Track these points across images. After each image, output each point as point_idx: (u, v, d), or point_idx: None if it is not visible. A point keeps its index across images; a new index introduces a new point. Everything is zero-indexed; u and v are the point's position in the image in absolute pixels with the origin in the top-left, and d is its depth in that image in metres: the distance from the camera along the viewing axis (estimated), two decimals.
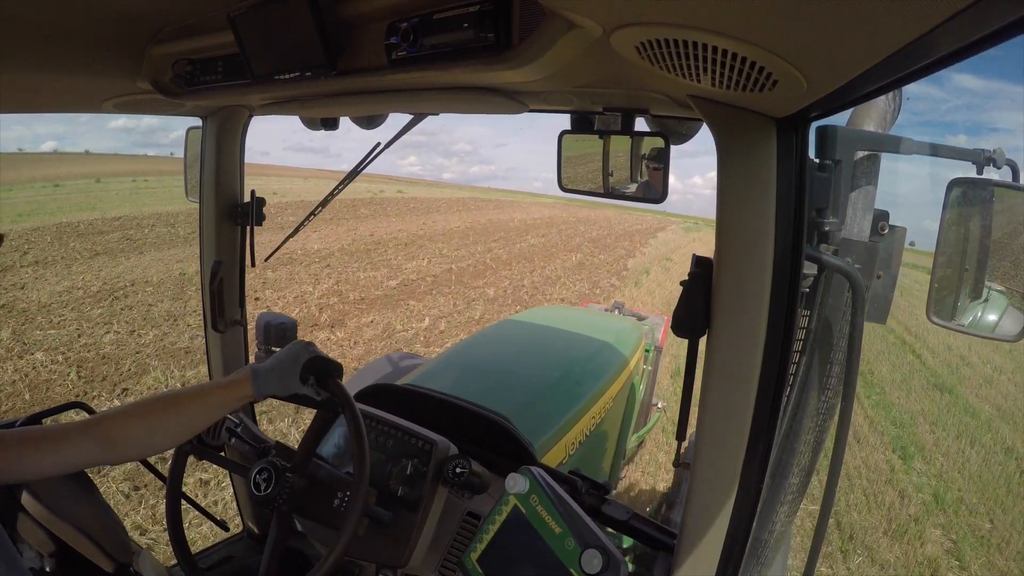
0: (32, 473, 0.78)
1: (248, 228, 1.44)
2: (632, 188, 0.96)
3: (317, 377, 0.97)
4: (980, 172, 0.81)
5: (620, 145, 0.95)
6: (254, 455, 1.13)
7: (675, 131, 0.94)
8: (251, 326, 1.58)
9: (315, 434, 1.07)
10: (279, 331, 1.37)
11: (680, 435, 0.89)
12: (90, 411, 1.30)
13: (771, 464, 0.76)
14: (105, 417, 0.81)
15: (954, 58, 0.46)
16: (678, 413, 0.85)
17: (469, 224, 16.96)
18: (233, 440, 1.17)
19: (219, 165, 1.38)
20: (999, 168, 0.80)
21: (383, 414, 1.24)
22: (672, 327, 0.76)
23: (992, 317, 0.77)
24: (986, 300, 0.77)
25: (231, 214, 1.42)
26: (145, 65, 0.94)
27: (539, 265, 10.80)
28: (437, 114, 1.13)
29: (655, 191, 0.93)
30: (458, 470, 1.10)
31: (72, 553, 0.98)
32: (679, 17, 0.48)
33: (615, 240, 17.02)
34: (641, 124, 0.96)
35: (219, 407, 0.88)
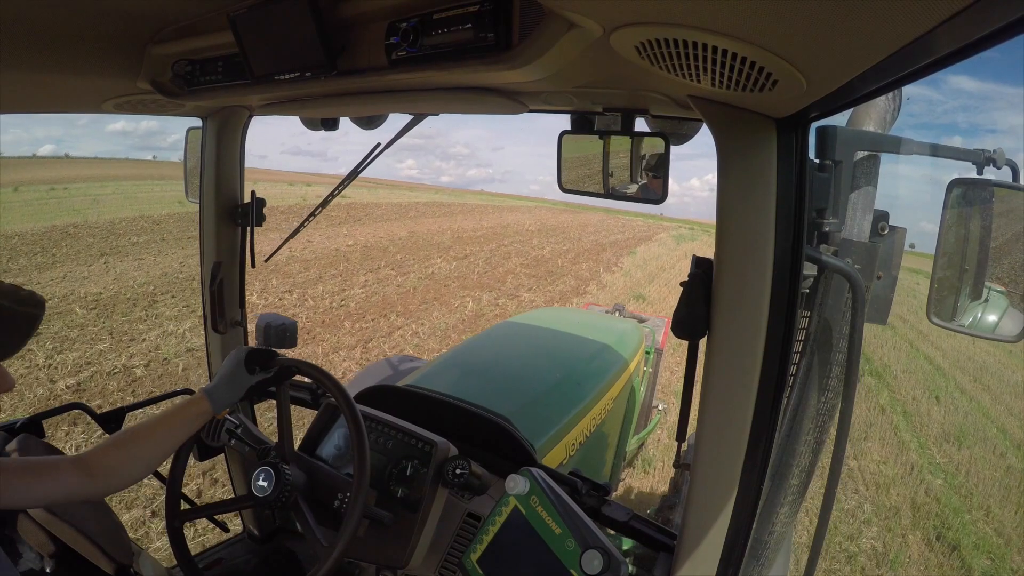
0: (19, 503, 0.81)
1: (248, 229, 1.44)
2: (632, 189, 0.96)
3: (260, 364, 1.06)
4: (980, 172, 0.81)
5: (620, 145, 0.95)
6: (254, 456, 1.13)
7: (675, 131, 0.94)
8: (251, 327, 1.58)
9: (315, 435, 1.08)
10: (279, 332, 1.37)
11: (680, 436, 0.89)
12: (90, 412, 1.30)
13: (771, 465, 0.76)
14: (94, 451, 0.87)
15: (954, 58, 0.46)
16: (678, 414, 0.85)
17: (392, 236, 13.75)
18: (233, 441, 1.17)
19: (219, 166, 1.38)
20: (999, 168, 0.80)
21: (383, 415, 1.24)
22: (672, 328, 0.76)
23: (992, 318, 0.77)
24: (986, 300, 0.77)
25: (231, 215, 1.42)
26: (145, 65, 0.94)
27: (405, 317, 6.80)
28: (437, 114, 1.13)
29: (655, 192, 0.93)
30: (458, 471, 1.10)
31: (72, 554, 0.98)
32: (679, 17, 0.48)
33: (577, 257, 13.53)
34: (641, 124, 0.96)
35: (183, 429, 0.96)
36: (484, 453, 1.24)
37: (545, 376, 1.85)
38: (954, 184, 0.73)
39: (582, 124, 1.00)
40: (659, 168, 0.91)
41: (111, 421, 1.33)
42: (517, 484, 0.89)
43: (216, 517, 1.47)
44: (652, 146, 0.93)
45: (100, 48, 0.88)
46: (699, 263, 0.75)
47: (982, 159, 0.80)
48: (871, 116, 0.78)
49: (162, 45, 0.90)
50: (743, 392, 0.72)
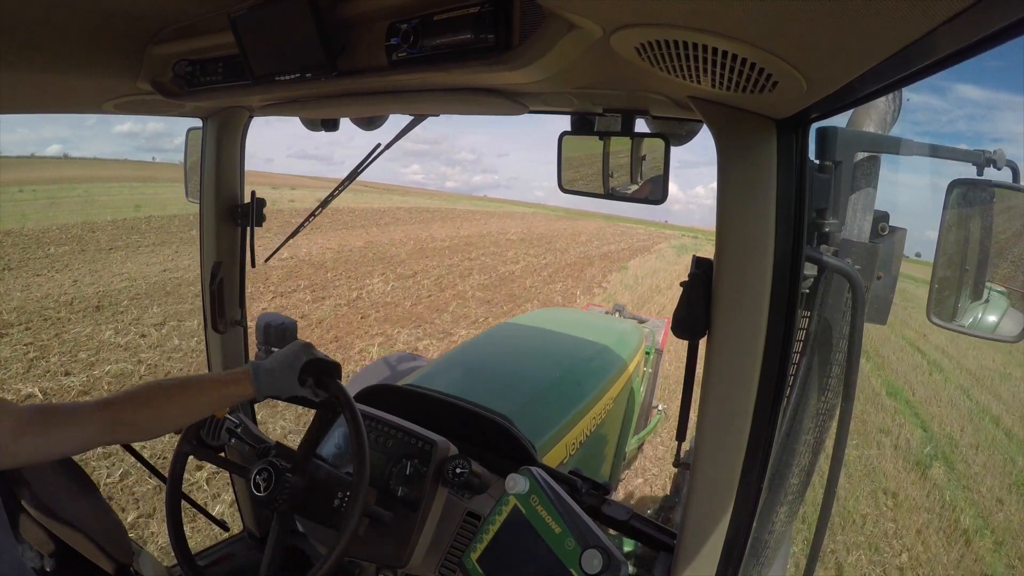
0: (37, 455, 0.77)
1: (248, 229, 1.44)
2: (633, 189, 0.96)
3: (316, 378, 0.98)
4: (980, 173, 0.81)
5: (620, 146, 0.95)
6: (254, 455, 1.13)
7: (675, 132, 0.94)
8: (251, 327, 1.58)
9: (315, 434, 1.08)
10: (279, 332, 1.37)
11: (680, 436, 0.89)
12: None
13: (771, 464, 0.76)
14: (115, 399, 0.82)
15: (954, 59, 0.46)
16: (678, 414, 0.85)
17: (344, 247, 11.58)
18: (233, 440, 1.17)
19: (219, 166, 1.38)
20: (999, 169, 0.80)
21: (383, 414, 1.24)
22: (672, 328, 0.76)
23: (992, 318, 0.77)
24: (986, 301, 0.77)
25: (231, 215, 1.42)
26: (145, 66, 0.94)
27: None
28: (437, 115, 1.13)
29: (655, 192, 0.93)
30: (458, 470, 1.10)
31: (72, 553, 0.98)
32: (679, 18, 0.48)
33: (555, 274, 11.31)
34: (641, 125, 0.96)
35: (219, 401, 0.90)
36: (484, 452, 1.24)
37: (545, 376, 1.85)
38: (954, 185, 0.73)
39: (582, 125, 1.00)
40: (660, 166, 0.91)
41: None
42: (517, 483, 0.89)
43: (216, 517, 1.48)
44: (652, 147, 0.93)
45: (100, 48, 0.88)
46: (699, 263, 0.75)
47: (982, 160, 0.80)
48: (871, 117, 0.78)
49: (162, 45, 0.90)
50: (743, 392, 0.72)
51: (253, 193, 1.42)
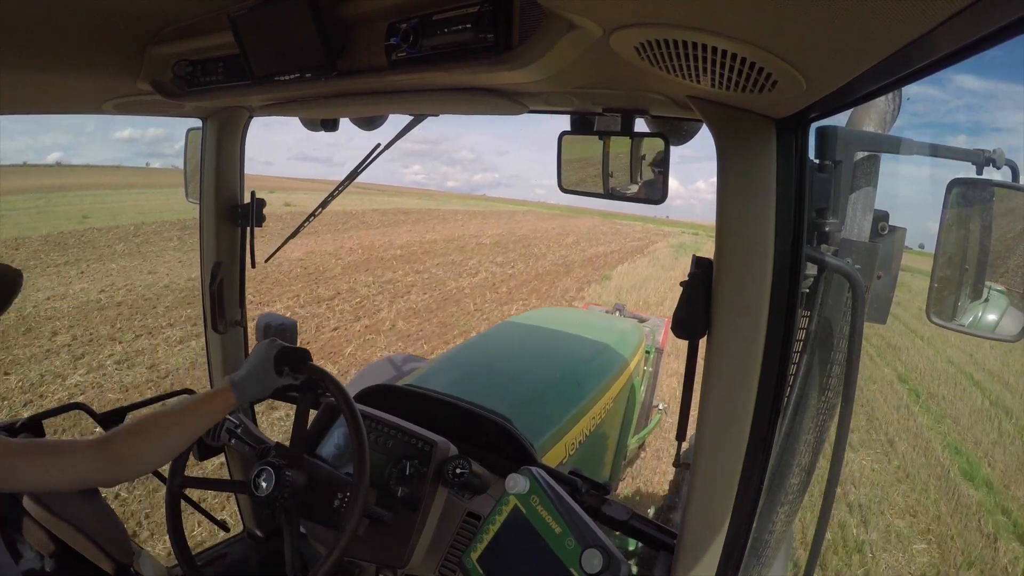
0: (31, 486, 0.79)
1: (248, 229, 1.44)
2: (632, 189, 0.96)
3: (291, 365, 1.03)
4: (980, 172, 0.81)
5: (620, 146, 0.95)
6: (254, 455, 1.13)
7: (675, 132, 0.94)
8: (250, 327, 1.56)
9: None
10: (279, 332, 1.37)
11: (680, 435, 0.89)
12: (90, 412, 1.30)
13: (771, 464, 0.76)
14: (111, 436, 0.85)
15: (954, 58, 0.46)
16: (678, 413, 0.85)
17: (283, 259, 7.98)
18: (233, 441, 1.17)
19: (219, 166, 1.38)
20: (999, 168, 0.80)
21: (383, 415, 1.24)
22: (672, 328, 0.76)
23: (992, 317, 0.77)
24: (986, 300, 0.77)
25: (231, 215, 1.42)
26: (145, 66, 0.94)
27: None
28: (437, 115, 1.13)
29: (656, 192, 0.93)
30: (458, 470, 1.10)
31: (72, 553, 0.98)
32: (678, 18, 0.48)
33: (517, 289, 9.22)
34: (641, 125, 0.96)
35: (208, 419, 0.94)
36: (484, 452, 1.24)
37: (545, 375, 1.85)
38: (954, 184, 0.73)
39: (582, 125, 1.00)
40: (660, 166, 0.91)
41: (111, 421, 1.34)
42: (517, 483, 0.89)
43: (216, 517, 1.48)
44: (652, 147, 0.93)
45: (100, 48, 0.88)
46: (699, 263, 0.75)
47: (982, 159, 0.80)
48: (871, 116, 0.78)
49: (162, 45, 0.90)
50: (743, 392, 0.72)
51: (253, 193, 1.42)
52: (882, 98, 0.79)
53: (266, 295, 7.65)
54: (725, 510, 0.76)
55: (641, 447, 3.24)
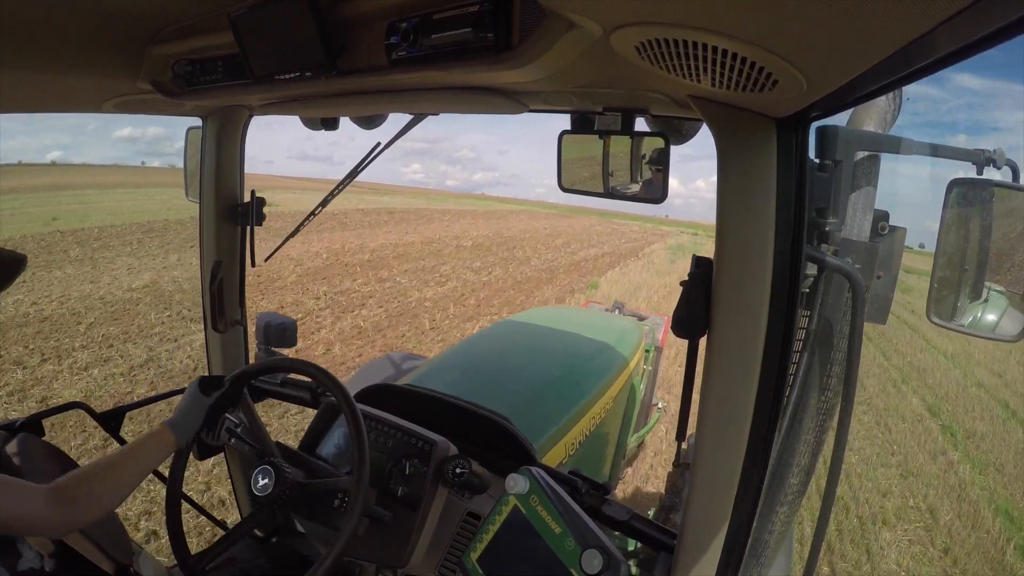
0: None
1: (248, 228, 1.44)
2: (633, 188, 0.96)
3: (213, 386, 1.09)
4: (980, 172, 0.81)
5: (620, 145, 0.95)
6: (254, 455, 1.13)
7: (675, 131, 0.94)
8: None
9: (315, 433, 1.08)
10: (279, 331, 1.37)
11: (680, 435, 0.89)
12: (90, 411, 1.30)
13: (771, 464, 0.76)
14: (66, 481, 0.85)
15: (954, 58, 0.46)
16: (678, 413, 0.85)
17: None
18: (232, 440, 1.18)
19: (219, 165, 1.38)
20: (999, 168, 0.80)
21: (383, 414, 1.24)
22: (672, 328, 0.76)
23: (992, 317, 0.77)
24: (986, 300, 0.77)
25: (231, 214, 1.42)
26: (145, 65, 0.94)
27: None
28: (437, 114, 1.13)
29: (656, 191, 0.93)
30: (458, 470, 1.10)
31: (72, 553, 0.98)
32: (679, 17, 0.48)
33: (485, 302, 8.01)
34: (641, 124, 0.96)
35: (149, 461, 0.98)
36: (484, 452, 1.24)
37: (545, 375, 1.85)
38: (954, 184, 0.73)
39: (582, 124, 1.00)
40: (660, 165, 0.91)
41: (110, 420, 1.34)
42: (517, 483, 0.89)
43: (216, 516, 1.48)
44: (652, 146, 0.93)
45: (100, 48, 0.88)
46: (699, 263, 0.75)
47: (982, 159, 0.80)
48: (871, 116, 0.78)
49: (162, 45, 0.90)
50: (743, 391, 0.72)
51: (253, 192, 1.42)
52: (882, 98, 0.79)
53: (196, 310, 6.23)
54: (725, 510, 0.76)
55: (640, 446, 3.24)
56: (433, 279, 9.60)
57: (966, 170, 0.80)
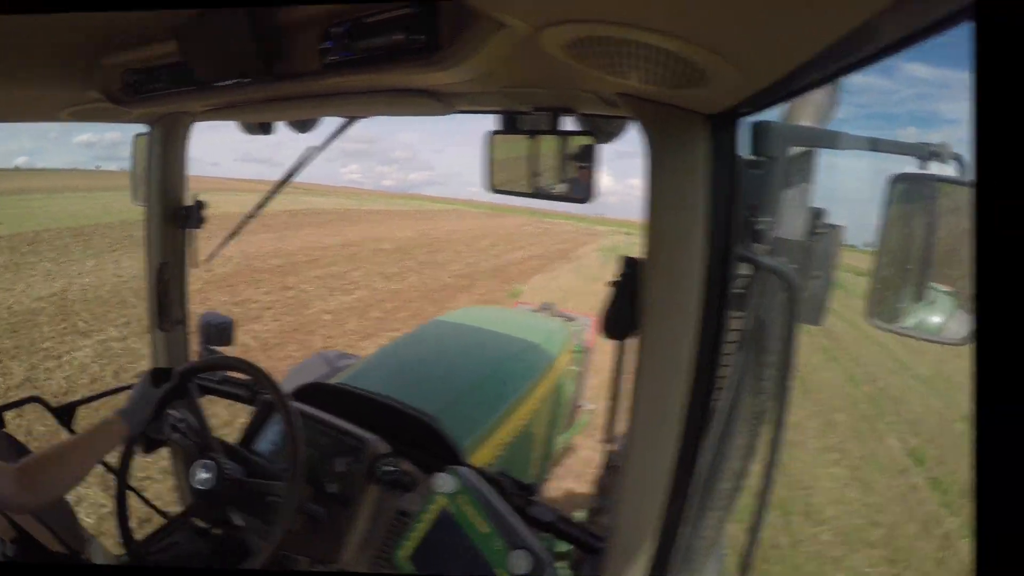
0: None
1: (190, 231, 1.46)
2: (560, 188, 0.96)
3: (164, 377, 1.14)
4: (924, 167, 0.78)
5: (548, 145, 0.95)
6: (195, 450, 1.15)
7: (604, 130, 0.93)
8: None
9: (253, 429, 1.11)
10: (217, 329, 1.41)
11: (608, 438, 0.88)
12: (46, 405, 1.36)
13: (703, 468, 0.74)
14: (31, 461, 0.91)
15: (892, 49, 0.45)
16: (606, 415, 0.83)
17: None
18: (176, 435, 1.20)
19: (165, 170, 1.41)
20: (945, 162, 0.77)
21: (317, 412, 1.25)
22: (599, 328, 0.75)
23: (937, 319, 0.74)
24: (931, 301, 0.74)
25: (176, 217, 1.44)
26: (96, 76, 0.96)
27: None
28: (367, 117, 1.15)
29: (582, 191, 0.92)
30: (388, 468, 1.11)
31: (31, 540, 1.02)
32: (608, 14, 0.47)
33: (392, 315, 7.05)
34: (571, 123, 0.95)
35: (102, 448, 1.03)
36: (414, 451, 1.24)
37: (472, 375, 1.84)
38: (896, 179, 0.71)
39: (511, 123, 1.00)
40: (587, 164, 0.90)
41: (64, 414, 1.39)
42: (445, 483, 0.89)
43: (160, 507, 1.52)
44: (580, 145, 0.92)
45: (56, 60, 0.91)
46: (627, 263, 0.74)
47: (926, 153, 0.77)
48: (808, 110, 0.76)
49: (111, 56, 0.92)
50: (674, 393, 0.70)
51: (195, 197, 1.45)
52: (820, 91, 0.77)
53: (94, 322, 5.52)
54: (655, 514, 0.74)
55: (569, 447, 3.18)
56: (340, 287, 8.56)
57: (911, 165, 0.77)
